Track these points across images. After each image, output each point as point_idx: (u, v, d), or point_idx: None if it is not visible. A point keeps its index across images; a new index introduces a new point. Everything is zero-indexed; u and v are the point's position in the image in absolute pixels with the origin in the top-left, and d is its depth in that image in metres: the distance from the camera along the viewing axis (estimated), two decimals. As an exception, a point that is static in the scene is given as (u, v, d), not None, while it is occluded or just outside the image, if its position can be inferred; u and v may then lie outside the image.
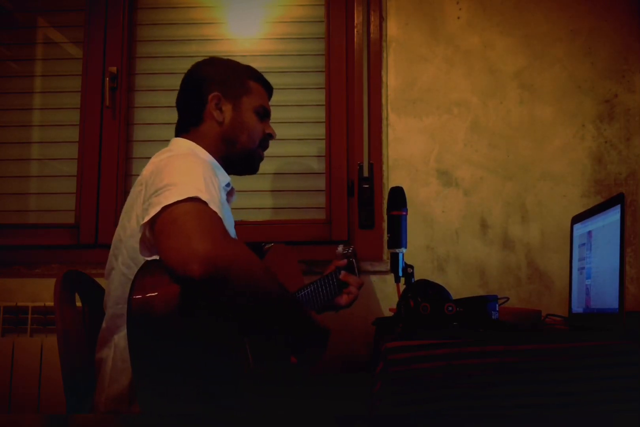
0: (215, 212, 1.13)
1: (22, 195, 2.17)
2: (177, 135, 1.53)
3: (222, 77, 1.52)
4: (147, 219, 1.13)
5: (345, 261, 1.73)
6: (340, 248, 1.76)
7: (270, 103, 1.63)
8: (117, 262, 1.36)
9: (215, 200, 1.16)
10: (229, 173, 1.56)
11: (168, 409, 1.09)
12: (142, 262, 1.16)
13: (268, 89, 1.61)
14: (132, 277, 1.13)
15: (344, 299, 1.69)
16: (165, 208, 1.11)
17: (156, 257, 1.15)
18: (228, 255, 1.06)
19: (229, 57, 1.61)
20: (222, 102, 1.50)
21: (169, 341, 1.07)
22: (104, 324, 1.37)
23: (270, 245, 1.48)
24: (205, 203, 1.12)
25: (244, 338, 1.15)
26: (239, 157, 1.53)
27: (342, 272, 1.71)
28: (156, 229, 1.11)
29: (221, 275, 1.04)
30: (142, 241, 1.17)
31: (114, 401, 1.28)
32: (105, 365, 1.33)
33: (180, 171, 1.22)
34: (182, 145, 1.48)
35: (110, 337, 1.34)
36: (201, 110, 1.49)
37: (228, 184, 1.49)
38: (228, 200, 1.52)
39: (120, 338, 1.32)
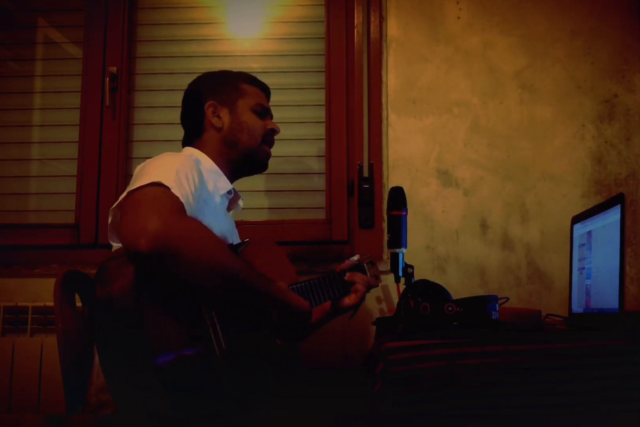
0: (174, 195, 1.18)
1: (22, 195, 2.17)
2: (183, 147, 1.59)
3: (215, 86, 1.57)
4: (115, 204, 1.23)
5: (347, 263, 1.65)
6: (355, 257, 1.66)
7: (270, 103, 1.65)
8: None
9: (184, 189, 1.22)
10: (240, 176, 1.60)
11: (138, 399, 1.11)
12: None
13: (264, 90, 1.63)
14: None
15: (351, 298, 1.57)
16: (130, 193, 1.19)
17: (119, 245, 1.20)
18: (177, 230, 1.11)
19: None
20: (219, 108, 1.54)
21: (128, 326, 1.10)
22: None
23: (246, 240, 1.44)
24: (167, 188, 1.19)
25: (211, 319, 1.16)
26: (243, 157, 1.55)
27: (347, 273, 1.60)
28: (120, 212, 1.20)
29: (169, 249, 1.09)
30: (111, 225, 1.27)
31: (102, 391, 1.30)
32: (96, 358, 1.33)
33: (157, 165, 1.29)
34: (185, 151, 1.54)
35: None
36: (201, 121, 1.54)
37: (230, 192, 1.53)
38: (230, 209, 1.57)
39: None
